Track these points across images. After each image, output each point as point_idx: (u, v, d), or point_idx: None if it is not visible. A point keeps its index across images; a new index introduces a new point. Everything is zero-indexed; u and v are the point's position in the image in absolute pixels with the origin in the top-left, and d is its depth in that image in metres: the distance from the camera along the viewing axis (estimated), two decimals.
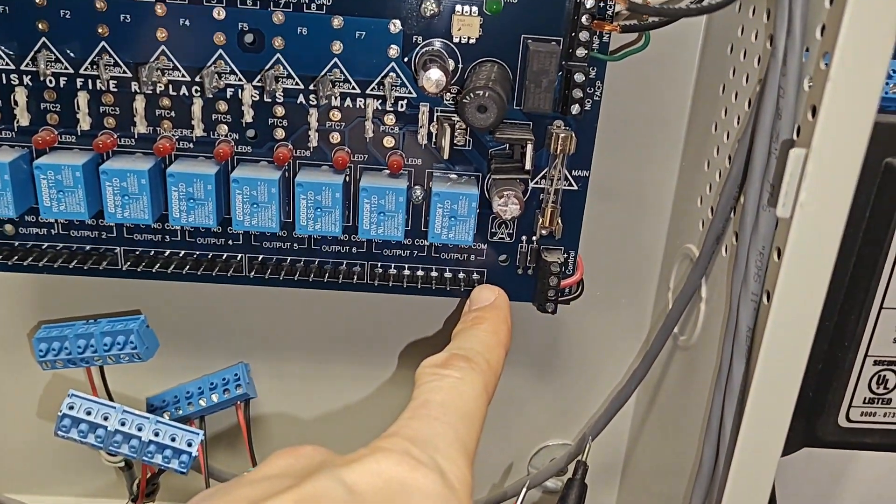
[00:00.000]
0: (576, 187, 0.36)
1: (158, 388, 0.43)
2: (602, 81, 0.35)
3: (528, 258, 0.38)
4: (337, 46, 0.34)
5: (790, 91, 0.26)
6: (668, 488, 0.39)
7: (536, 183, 0.36)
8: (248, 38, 0.34)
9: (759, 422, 0.29)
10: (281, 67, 0.34)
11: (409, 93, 0.35)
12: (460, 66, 0.34)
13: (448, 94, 0.35)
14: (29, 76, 0.34)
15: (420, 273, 0.38)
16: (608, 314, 0.45)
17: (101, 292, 0.42)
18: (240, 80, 0.34)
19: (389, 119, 0.35)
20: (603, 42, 0.34)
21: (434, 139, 0.35)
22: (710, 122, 0.36)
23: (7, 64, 0.34)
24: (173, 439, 0.36)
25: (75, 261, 0.37)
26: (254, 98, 0.34)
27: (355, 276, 0.38)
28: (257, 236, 0.37)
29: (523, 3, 0.33)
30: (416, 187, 0.36)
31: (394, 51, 0.34)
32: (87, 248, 0.37)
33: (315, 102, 0.35)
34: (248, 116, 0.35)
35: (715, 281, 0.34)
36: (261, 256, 0.38)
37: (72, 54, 0.34)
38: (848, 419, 0.35)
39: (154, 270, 0.37)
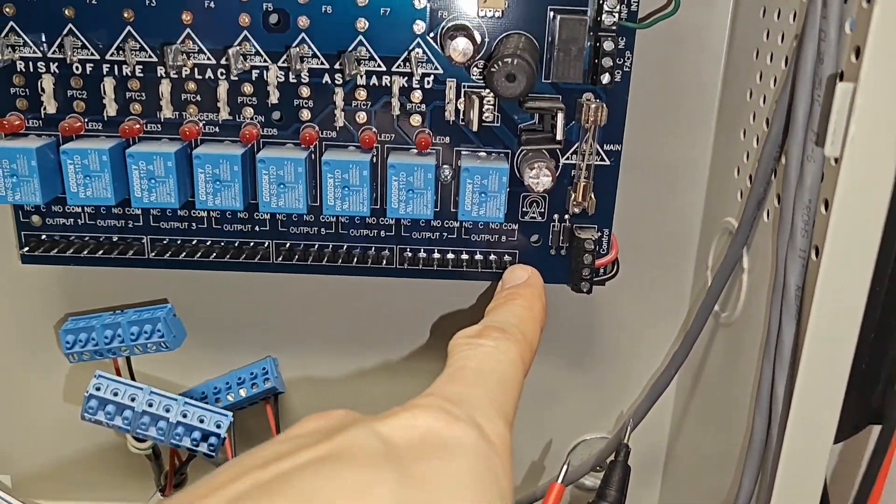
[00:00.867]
0: (608, 162, 0.36)
1: (185, 382, 0.42)
2: (632, 52, 0.34)
3: (561, 237, 0.37)
4: (362, 24, 0.33)
5: (832, 34, 0.25)
6: (714, 480, 0.37)
7: (567, 159, 0.35)
8: (273, 18, 0.34)
9: (814, 387, 0.27)
10: (306, 47, 0.34)
11: (436, 68, 0.34)
12: (486, 39, 0.34)
13: (475, 68, 0.34)
14: (56, 63, 0.34)
15: (450, 256, 0.37)
16: (645, 295, 0.43)
17: (127, 283, 0.41)
18: (265, 60, 0.34)
19: (416, 96, 0.34)
20: (631, 11, 0.33)
21: (462, 115, 0.35)
22: (744, 89, 0.35)
23: (34, 52, 0.34)
24: (202, 421, 0.35)
25: (102, 250, 0.37)
26: (279, 79, 0.34)
27: (384, 261, 0.37)
28: (284, 221, 0.37)
29: None
30: (445, 166, 0.35)
31: (419, 26, 0.33)
32: (114, 237, 0.37)
33: (340, 81, 0.34)
34: (274, 97, 0.34)
35: (758, 249, 0.33)
36: (288, 242, 0.37)
37: (98, 41, 0.34)
38: None
39: (181, 258, 0.37)
